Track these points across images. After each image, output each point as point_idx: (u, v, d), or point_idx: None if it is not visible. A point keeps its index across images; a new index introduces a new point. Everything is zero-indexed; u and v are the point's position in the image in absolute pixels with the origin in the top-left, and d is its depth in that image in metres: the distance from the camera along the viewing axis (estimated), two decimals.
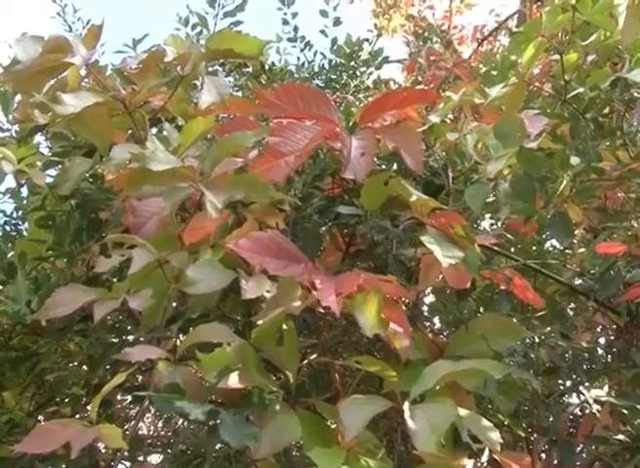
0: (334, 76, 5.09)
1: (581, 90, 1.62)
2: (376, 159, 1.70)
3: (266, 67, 4.92)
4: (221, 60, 4.74)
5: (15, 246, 1.77)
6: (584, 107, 1.60)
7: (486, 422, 1.12)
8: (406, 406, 1.10)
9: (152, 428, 2.51)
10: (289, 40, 4.88)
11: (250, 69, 4.96)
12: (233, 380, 1.13)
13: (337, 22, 5.09)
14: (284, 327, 1.25)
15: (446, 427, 1.04)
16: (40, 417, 1.69)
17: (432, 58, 5.48)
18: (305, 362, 1.40)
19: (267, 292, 1.24)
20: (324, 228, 1.65)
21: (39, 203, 1.63)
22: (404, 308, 1.49)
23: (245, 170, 1.51)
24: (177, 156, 1.47)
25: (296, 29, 4.84)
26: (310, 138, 1.48)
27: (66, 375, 1.62)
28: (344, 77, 5.19)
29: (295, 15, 4.80)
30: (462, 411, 1.12)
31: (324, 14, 5.11)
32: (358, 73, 5.31)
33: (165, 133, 1.62)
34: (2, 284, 1.69)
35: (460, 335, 1.47)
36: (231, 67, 4.86)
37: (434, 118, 1.74)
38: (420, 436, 1.03)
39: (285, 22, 4.81)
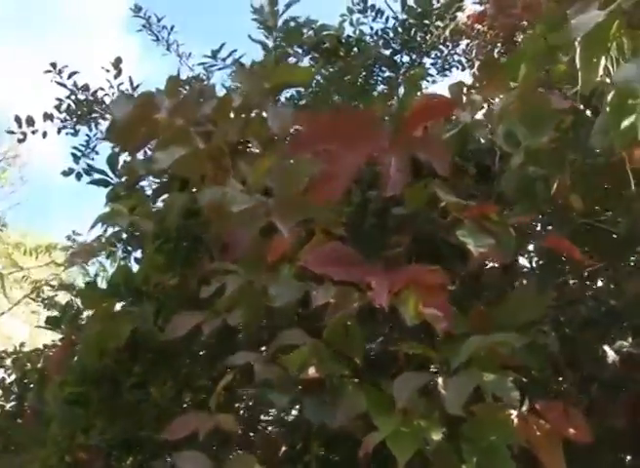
0: (407, 38, 5.37)
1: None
2: None
3: (343, 41, 5.25)
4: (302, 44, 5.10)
5: (138, 272, 2.22)
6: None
7: (508, 384, 1.48)
8: (440, 379, 1.47)
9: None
10: (360, 12, 5.18)
11: (328, 44, 5.31)
12: (311, 372, 1.54)
13: None
14: (348, 323, 1.64)
15: (469, 391, 1.41)
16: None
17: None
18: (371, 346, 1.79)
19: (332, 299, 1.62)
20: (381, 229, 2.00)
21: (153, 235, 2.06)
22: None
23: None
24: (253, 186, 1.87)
25: (364, 1, 5.13)
26: (357, 161, 1.85)
27: (194, 372, 2.08)
28: (418, 37, 5.45)
29: None
30: (489, 377, 1.48)
31: None
32: (433, 30, 5.56)
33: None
34: (131, 304, 2.17)
35: (501, 308, 1.81)
36: (310, 46, 5.22)
37: (466, 117, 2.07)
38: (448, 401, 1.40)
39: None
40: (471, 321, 1.74)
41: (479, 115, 2.20)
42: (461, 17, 6.65)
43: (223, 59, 4.17)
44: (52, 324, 4.49)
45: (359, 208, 1.97)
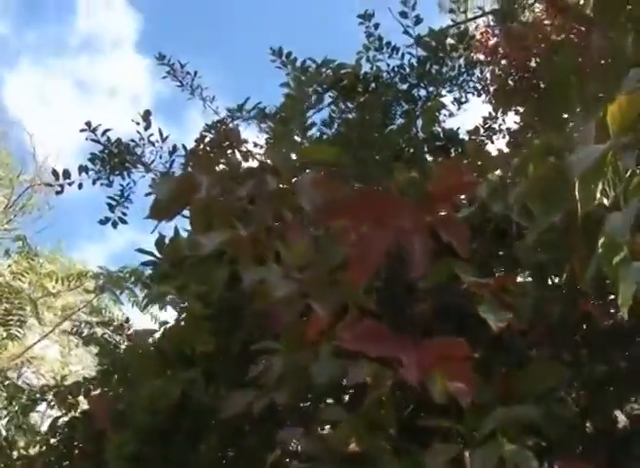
0: (423, 71, 5.59)
1: None
2: None
3: (360, 78, 5.47)
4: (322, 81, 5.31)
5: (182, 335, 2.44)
6: None
7: (527, 453, 1.67)
8: (466, 452, 1.67)
9: None
10: (376, 49, 5.40)
11: (346, 82, 5.54)
12: (352, 446, 1.74)
13: (417, 21, 5.56)
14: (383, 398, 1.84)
15: (494, 463, 1.61)
16: None
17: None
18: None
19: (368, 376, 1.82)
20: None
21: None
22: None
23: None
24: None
25: (380, 39, 5.35)
26: (385, 243, 2.04)
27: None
28: (434, 70, 5.67)
29: (377, 26, 5.31)
30: (510, 447, 1.68)
31: (404, 15, 5.58)
32: (448, 61, 5.77)
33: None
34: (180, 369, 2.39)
35: (521, 376, 2.00)
36: (329, 84, 5.44)
37: (483, 191, 2.26)
38: None
39: (369, 35, 5.33)
40: (494, 389, 1.93)
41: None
42: (475, 42, 6.85)
43: (248, 111, 4.39)
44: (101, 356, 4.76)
45: (387, 283, 2.17)
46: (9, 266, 9.47)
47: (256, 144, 4.36)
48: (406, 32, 5.54)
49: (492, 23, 9.20)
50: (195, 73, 5.13)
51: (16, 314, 9.20)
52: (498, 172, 2.52)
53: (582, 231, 1.57)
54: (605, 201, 1.41)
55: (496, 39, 7.03)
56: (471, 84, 6.15)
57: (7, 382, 6.25)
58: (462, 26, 9.82)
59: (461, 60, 5.78)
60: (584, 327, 2.21)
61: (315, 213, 2.32)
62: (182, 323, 2.48)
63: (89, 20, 29.87)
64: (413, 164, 4.84)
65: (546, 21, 9.07)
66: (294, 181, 2.39)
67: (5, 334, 8.87)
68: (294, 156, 2.59)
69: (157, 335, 2.79)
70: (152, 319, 9.14)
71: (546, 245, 1.99)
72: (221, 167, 4.34)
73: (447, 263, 2.05)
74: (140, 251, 2.66)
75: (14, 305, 9.30)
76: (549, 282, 2.18)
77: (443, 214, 2.19)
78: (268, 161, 2.74)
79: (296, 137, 4.89)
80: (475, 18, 10.25)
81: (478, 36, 8.70)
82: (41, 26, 31.08)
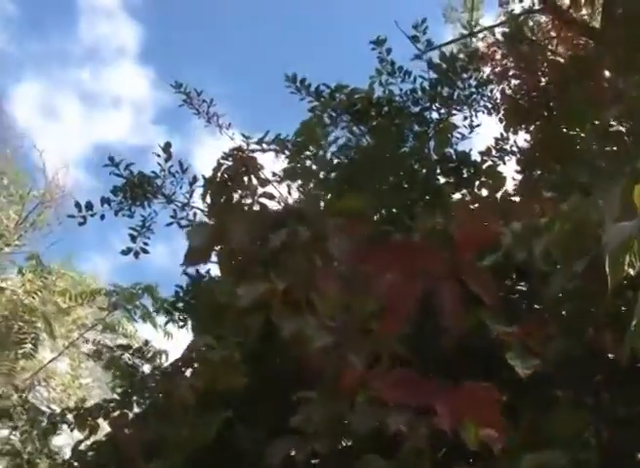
0: (434, 93, 5.71)
1: None
2: None
3: (373, 102, 5.59)
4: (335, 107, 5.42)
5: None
6: None
7: None
8: None
9: None
10: (389, 74, 5.52)
11: (359, 106, 5.66)
12: None
13: (428, 45, 5.68)
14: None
15: None
16: None
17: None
18: None
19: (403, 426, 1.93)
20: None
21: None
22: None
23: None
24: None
25: (392, 64, 5.46)
26: (416, 294, 2.15)
27: None
28: (445, 92, 5.79)
29: (389, 51, 5.42)
30: None
31: (416, 39, 5.70)
32: (459, 83, 5.90)
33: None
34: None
35: (548, 422, 2.11)
36: (342, 109, 5.56)
37: (507, 239, 2.37)
38: None
39: (381, 61, 5.45)
40: (522, 435, 2.04)
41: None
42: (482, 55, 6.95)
43: (268, 143, 4.50)
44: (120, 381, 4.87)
45: (417, 329, 2.28)
46: (22, 285, 9.60)
47: (274, 174, 4.47)
48: (417, 56, 5.68)
49: (498, 37, 9.33)
50: (211, 101, 5.25)
51: (29, 332, 9.33)
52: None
53: (611, 304, 1.68)
54: (631, 271, 1.51)
55: (505, 60, 7.14)
56: (482, 102, 6.29)
57: (27, 405, 6.35)
58: (469, 40, 9.97)
59: (472, 81, 5.90)
60: (605, 368, 2.32)
61: (346, 262, 2.44)
62: (214, 360, 2.60)
63: (91, 31, 30.08)
64: (428, 192, 4.97)
65: (553, 34, 9.20)
66: (324, 230, 2.51)
67: (20, 353, 9.00)
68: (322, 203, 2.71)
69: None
70: (165, 335, 9.26)
71: (570, 294, 2.10)
72: (240, 195, 4.47)
73: (475, 311, 2.15)
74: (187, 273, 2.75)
75: (27, 323, 9.43)
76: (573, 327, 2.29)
77: (470, 264, 2.30)
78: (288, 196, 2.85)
79: (312, 166, 5.02)
80: (481, 30, 10.38)
81: (484, 49, 8.84)
82: (43, 38, 31.30)
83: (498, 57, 7.90)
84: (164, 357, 8.05)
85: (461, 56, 6.12)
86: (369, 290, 2.27)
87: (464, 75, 5.79)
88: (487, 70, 7.66)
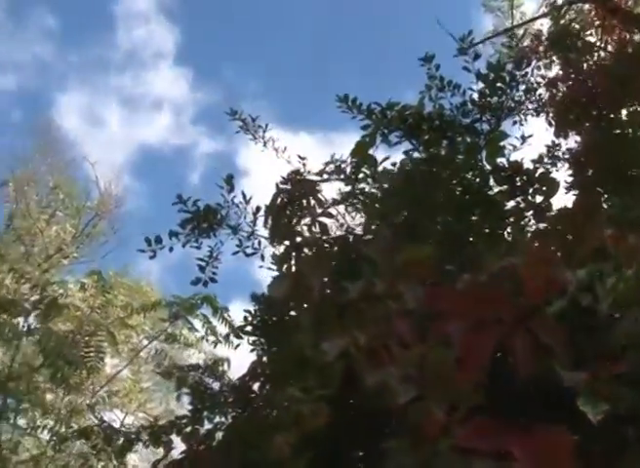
0: (483, 103, 5.84)
1: None
2: None
3: (424, 117, 5.75)
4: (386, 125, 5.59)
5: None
6: None
7: None
8: None
9: None
10: (439, 89, 5.67)
11: (411, 121, 5.82)
12: None
13: (476, 57, 5.81)
14: None
15: None
16: None
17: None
18: None
19: None
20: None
21: None
22: None
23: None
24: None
25: (441, 79, 5.61)
26: (490, 344, 2.33)
27: None
28: (494, 100, 5.93)
29: (437, 67, 5.57)
30: None
31: (463, 51, 5.84)
32: (507, 90, 6.03)
33: None
34: None
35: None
36: (395, 125, 5.73)
37: (572, 285, 2.53)
38: None
39: (431, 77, 5.60)
40: None
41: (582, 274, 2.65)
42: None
43: (329, 173, 4.69)
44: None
45: (491, 376, 2.45)
46: (85, 300, 9.96)
47: (335, 201, 4.66)
48: (465, 68, 5.80)
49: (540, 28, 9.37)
50: (266, 126, 5.45)
51: (95, 346, 9.68)
52: None
53: None
54: None
55: (549, 53, 7.22)
56: (530, 106, 6.41)
57: (103, 424, 6.67)
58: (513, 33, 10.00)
59: (521, 85, 6.03)
60: None
61: (420, 311, 2.62)
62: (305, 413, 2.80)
63: (128, 37, 30.61)
64: (482, 201, 5.10)
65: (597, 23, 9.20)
66: (396, 280, 2.70)
67: (88, 367, 9.35)
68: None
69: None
70: (227, 344, 9.52)
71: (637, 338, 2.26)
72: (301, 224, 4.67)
73: (543, 358, 2.32)
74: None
75: (92, 337, 9.79)
76: None
77: (539, 313, 2.46)
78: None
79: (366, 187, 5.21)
80: (523, 24, 10.42)
81: (528, 42, 8.90)
82: (84, 48, 31.99)
83: (541, 49, 7.97)
84: (226, 365, 8.36)
85: (507, 61, 6.24)
86: (444, 340, 2.46)
87: (513, 83, 5.91)
88: (532, 64, 7.76)
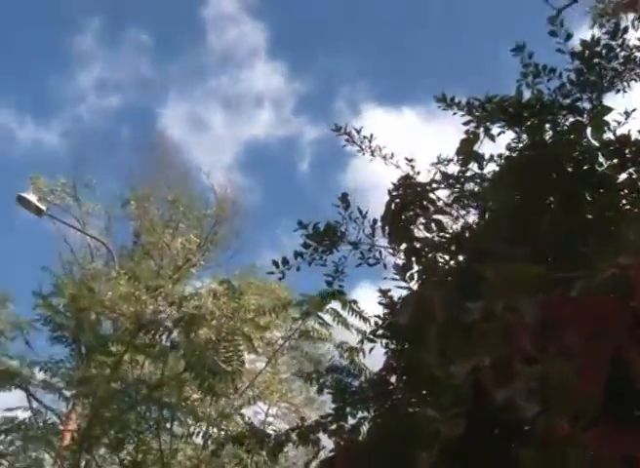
0: (582, 80, 5.94)
1: None
2: None
3: (524, 104, 5.89)
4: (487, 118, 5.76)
5: None
6: None
7: None
8: None
9: None
10: (534, 75, 5.81)
11: (511, 110, 5.98)
12: None
13: (568, 37, 5.91)
14: None
15: None
16: None
17: None
18: None
19: None
20: None
21: None
22: None
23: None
24: None
25: (536, 66, 5.74)
26: (607, 357, 2.56)
27: None
28: (592, 77, 6.00)
29: (531, 55, 5.70)
30: None
31: (553, 34, 5.94)
32: (605, 64, 6.10)
33: None
34: None
35: None
36: (495, 117, 5.88)
37: None
38: None
39: (525, 65, 5.73)
40: None
41: None
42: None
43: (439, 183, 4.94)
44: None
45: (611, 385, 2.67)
46: (219, 309, 10.54)
47: (447, 204, 4.91)
48: (559, 50, 5.88)
49: None
50: (371, 136, 5.73)
51: (234, 351, 10.27)
52: None
53: None
54: None
55: None
56: (632, 73, 6.40)
57: (254, 429, 7.17)
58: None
59: (620, 55, 6.05)
60: None
61: (538, 326, 2.86)
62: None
63: (220, 40, 31.44)
64: (593, 177, 5.21)
65: None
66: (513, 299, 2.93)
67: (230, 372, 9.93)
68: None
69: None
70: (356, 332, 9.88)
71: None
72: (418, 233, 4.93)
73: None
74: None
75: (230, 343, 10.38)
76: None
77: None
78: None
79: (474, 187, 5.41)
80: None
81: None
82: (179, 57, 33.07)
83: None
84: (360, 355, 8.74)
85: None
86: (564, 351, 2.69)
87: (611, 54, 5.96)
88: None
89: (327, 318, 10.54)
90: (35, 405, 11.59)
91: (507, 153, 5.61)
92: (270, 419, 18.30)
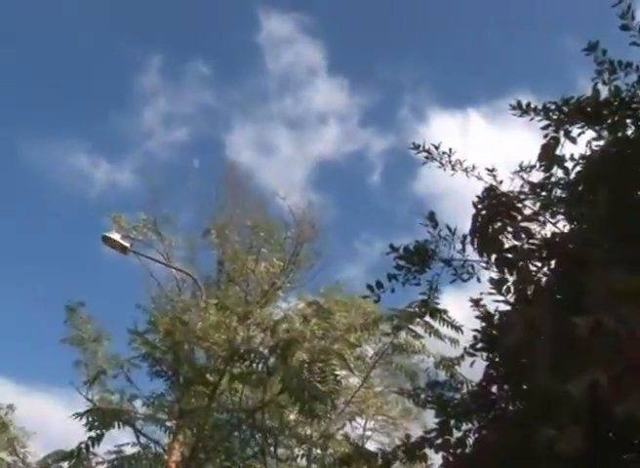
0: None
1: None
2: None
3: (602, 102, 5.85)
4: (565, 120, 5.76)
5: None
6: None
7: None
8: None
9: None
10: (610, 72, 5.77)
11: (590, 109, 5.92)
12: None
13: None
14: None
15: None
16: None
17: None
18: None
19: None
20: None
21: None
22: None
23: None
24: None
25: (611, 62, 5.70)
26: None
27: None
28: None
29: (604, 52, 5.67)
30: None
31: (625, 28, 5.90)
32: None
33: None
34: None
35: None
36: (574, 118, 5.86)
37: None
38: None
39: (600, 63, 5.70)
40: None
41: None
42: None
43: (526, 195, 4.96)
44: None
45: None
46: (310, 331, 10.65)
47: (536, 213, 4.92)
48: (634, 43, 5.81)
49: None
50: (450, 150, 5.77)
51: (329, 371, 10.36)
52: None
53: None
54: None
55: None
56: None
57: (361, 450, 7.23)
58: None
59: None
60: None
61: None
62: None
63: (278, 62, 31.87)
64: None
65: None
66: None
67: (328, 392, 10.02)
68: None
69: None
70: (452, 344, 9.87)
71: None
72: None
73: None
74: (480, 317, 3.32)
75: (324, 363, 10.48)
76: None
77: None
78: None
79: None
80: None
81: None
82: (239, 84, 33.66)
83: None
84: (457, 367, 8.73)
85: None
86: None
87: None
88: None
89: (418, 329, 10.58)
90: (143, 440, 11.86)
91: (589, 153, 5.58)
92: (369, 433, 18.35)
